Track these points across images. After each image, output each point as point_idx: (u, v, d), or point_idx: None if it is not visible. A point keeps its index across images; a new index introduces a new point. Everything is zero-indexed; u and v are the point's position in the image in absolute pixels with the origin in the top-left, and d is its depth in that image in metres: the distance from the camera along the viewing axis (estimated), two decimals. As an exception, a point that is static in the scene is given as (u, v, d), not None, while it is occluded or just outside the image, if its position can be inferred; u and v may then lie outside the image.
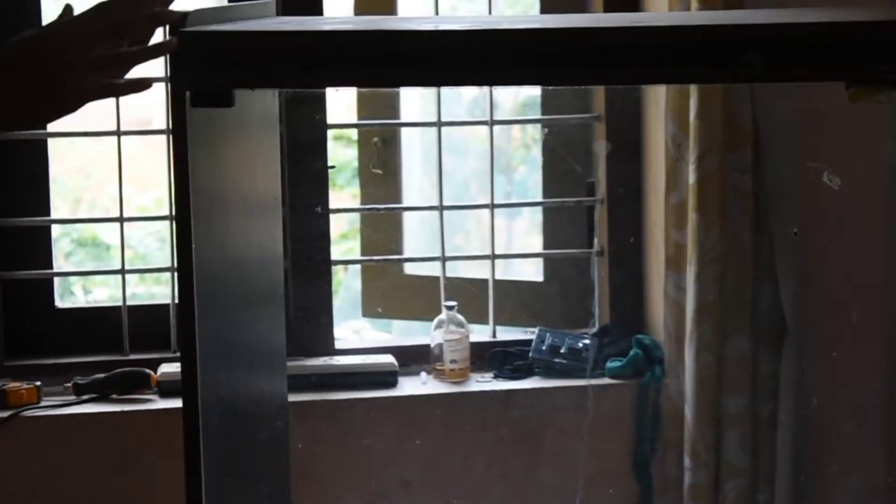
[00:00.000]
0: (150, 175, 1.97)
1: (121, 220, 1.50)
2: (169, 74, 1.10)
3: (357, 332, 1.99)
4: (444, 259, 1.57)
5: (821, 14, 1.01)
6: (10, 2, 1.45)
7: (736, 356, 1.55)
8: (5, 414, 1.40)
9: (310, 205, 1.49)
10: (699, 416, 1.55)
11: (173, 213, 1.09)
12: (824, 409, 1.51)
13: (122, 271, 1.51)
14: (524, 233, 1.85)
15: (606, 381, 1.64)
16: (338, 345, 1.59)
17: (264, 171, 1.20)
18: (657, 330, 1.69)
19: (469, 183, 1.76)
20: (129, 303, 1.51)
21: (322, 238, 1.53)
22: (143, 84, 0.74)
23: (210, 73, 0.90)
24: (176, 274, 1.30)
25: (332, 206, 1.56)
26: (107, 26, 0.71)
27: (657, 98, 1.52)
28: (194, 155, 0.92)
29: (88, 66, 0.72)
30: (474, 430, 1.55)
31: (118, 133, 1.44)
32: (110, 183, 2.05)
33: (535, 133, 1.70)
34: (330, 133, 1.55)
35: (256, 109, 1.13)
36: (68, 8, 0.75)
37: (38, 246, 1.54)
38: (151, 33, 0.75)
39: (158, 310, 1.55)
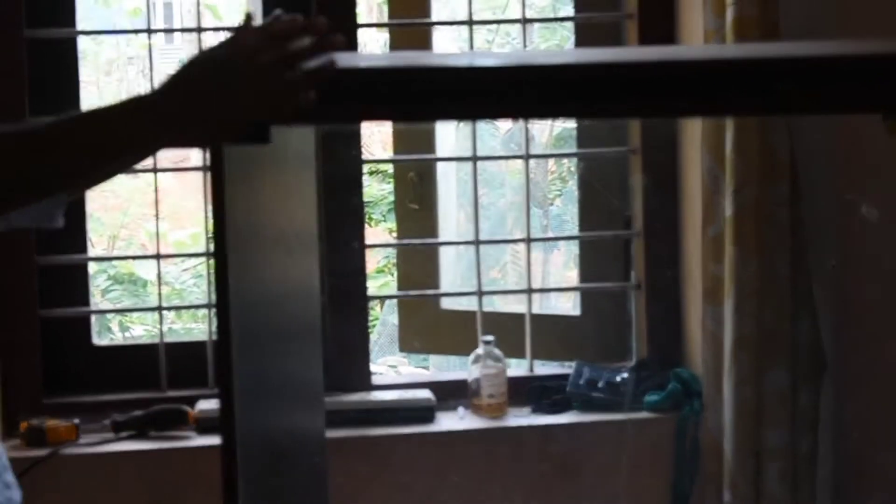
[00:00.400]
0: (186, 211, 2.01)
1: (157, 256, 1.53)
2: None
3: (394, 367, 2.03)
4: (480, 294, 1.59)
5: (857, 46, 1.02)
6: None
7: (775, 389, 1.56)
8: (44, 452, 1.44)
9: (346, 240, 1.52)
10: (738, 449, 1.56)
11: (210, 250, 1.11)
12: (864, 442, 1.51)
13: (160, 308, 1.54)
14: (561, 266, 1.88)
15: (645, 414, 1.65)
16: (375, 380, 1.60)
17: (301, 207, 1.22)
18: (695, 363, 1.70)
19: (505, 217, 1.80)
20: (166, 339, 1.53)
21: (358, 273, 1.55)
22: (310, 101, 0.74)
23: None
24: (213, 310, 1.30)
25: (368, 241, 1.59)
26: (285, 52, 0.72)
27: (693, 131, 1.56)
28: (231, 192, 0.92)
29: (279, 88, 0.72)
30: (512, 465, 1.56)
31: (155, 170, 1.47)
32: (147, 220, 2.09)
33: (570, 166, 1.74)
34: (365, 168, 1.58)
35: (293, 146, 1.16)
36: (248, 18, 0.75)
37: (76, 283, 1.58)
38: (319, 72, 0.75)
39: (195, 346, 1.57)
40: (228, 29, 1.16)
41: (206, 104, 0.74)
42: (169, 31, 5.04)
